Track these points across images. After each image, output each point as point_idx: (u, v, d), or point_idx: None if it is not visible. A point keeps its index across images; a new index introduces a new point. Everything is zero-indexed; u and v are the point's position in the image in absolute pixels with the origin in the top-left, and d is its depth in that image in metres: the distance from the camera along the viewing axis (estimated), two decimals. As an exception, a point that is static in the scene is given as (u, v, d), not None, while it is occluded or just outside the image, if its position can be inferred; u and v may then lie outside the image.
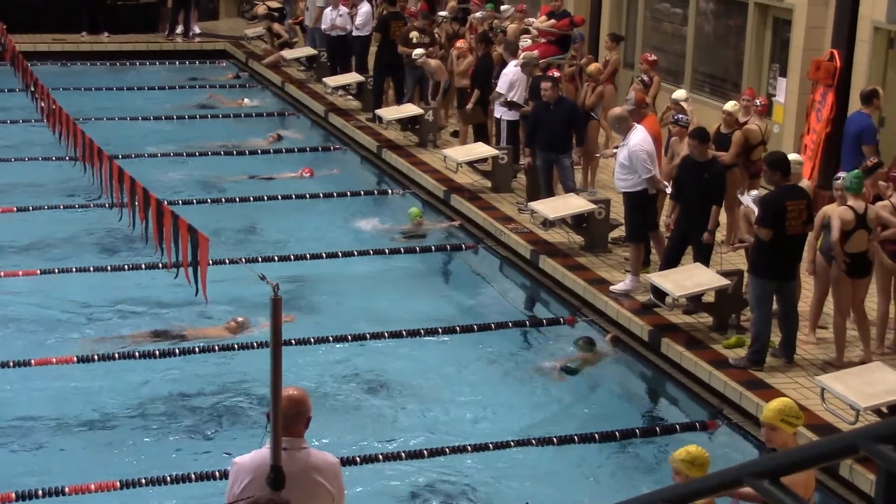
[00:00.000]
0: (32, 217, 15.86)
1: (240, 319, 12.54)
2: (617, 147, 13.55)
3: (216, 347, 11.93)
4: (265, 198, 16.83)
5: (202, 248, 7.54)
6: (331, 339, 12.30)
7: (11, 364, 11.40)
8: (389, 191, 17.77)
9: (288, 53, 24.32)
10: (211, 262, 8.45)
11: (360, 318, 13.06)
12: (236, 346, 11.93)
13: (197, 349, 11.89)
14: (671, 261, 12.50)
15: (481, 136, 17.82)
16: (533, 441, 10.31)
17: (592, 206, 14.26)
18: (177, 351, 11.84)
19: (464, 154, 17.09)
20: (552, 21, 19.08)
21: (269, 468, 5.54)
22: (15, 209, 15.97)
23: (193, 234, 7.61)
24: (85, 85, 23.09)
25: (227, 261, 13.11)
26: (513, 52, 17.05)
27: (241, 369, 11.58)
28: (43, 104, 14.18)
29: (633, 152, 12.82)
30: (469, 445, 10.20)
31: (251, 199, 16.85)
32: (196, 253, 7.59)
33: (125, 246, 14.71)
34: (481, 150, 16.98)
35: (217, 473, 9.36)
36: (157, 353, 11.80)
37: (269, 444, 5.57)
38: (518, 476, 9.98)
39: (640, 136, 12.93)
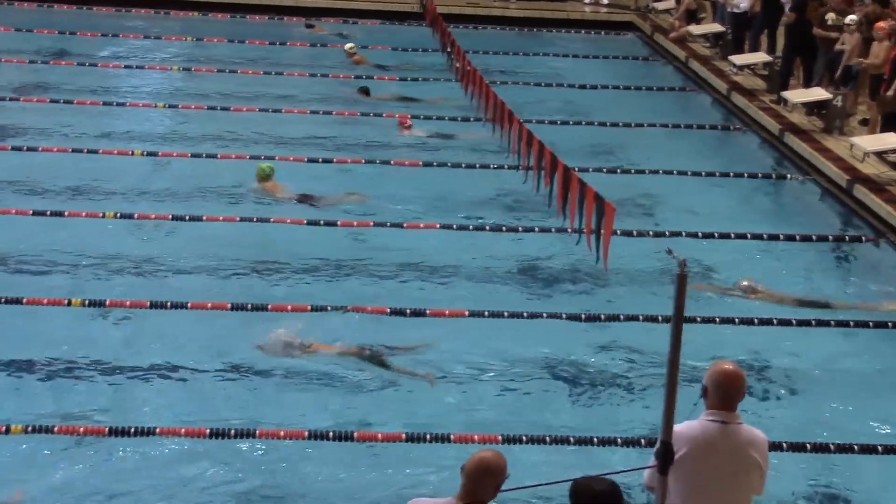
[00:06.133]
0: (433, 172, 16.45)
1: (744, 283, 13.00)
2: None
3: (621, 317, 11.98)
4: (660, 171, 16.78)
5: (608, 216, 7.60)
6: (717, 319, 12.12)
7: (409, 312, 11.94)
8: (788, 175, 17.30)
9: (695, 29, 24.09)
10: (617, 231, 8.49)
11: (746, 302, 12.83)
12: (641, 317, 11.98)
13: (603, 316, 12.00)
14: None
15: (893, 125, 16.98)
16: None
17: None
18: (596, 317, 12.05)
19: (873, 143, 16.37)
20: None
21: (704, 442, 5.65)
22: (420, 163, 16.64)
23: (600, 203, 7.69)
24: (493, 49, 23.75)
25: (618, 231, 13.10)
26: (938, 37, 16.17)
27: (650, 340, 11.57)
28: (458, 65, 14.68)
29: None
30: (855, 445, 9.81)
31: (646, 171, 16.84)
32: (601, 221, 7.67)
33: (518, 208, 15.09)
34: (893, 140, 16.19)
35: (643, 441, 9.53)
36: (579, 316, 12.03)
37: (703, 416, 5.65)
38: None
39: None
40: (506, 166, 15.55)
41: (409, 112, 18.88)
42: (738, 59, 21.55)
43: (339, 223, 14.22)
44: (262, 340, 11.14)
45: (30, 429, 9.37)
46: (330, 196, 15.22)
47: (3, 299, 11.60)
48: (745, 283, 13.09)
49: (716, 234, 14.44)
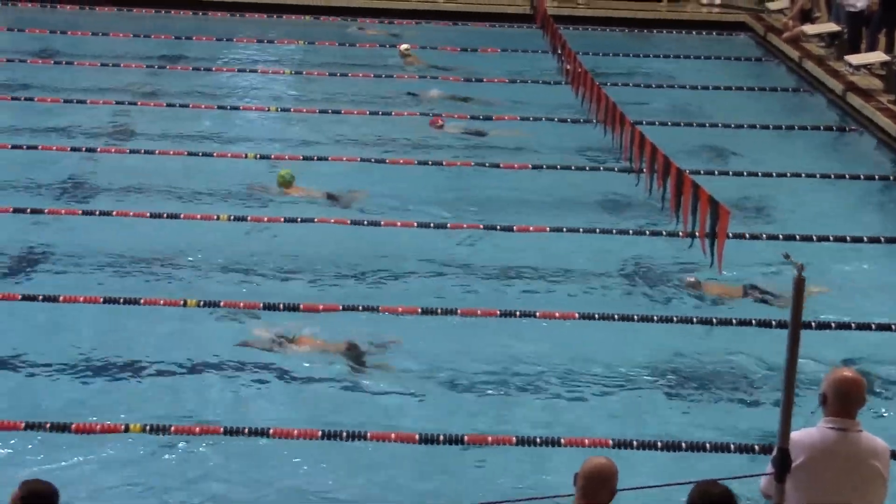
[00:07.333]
0: (543, 175, 16.40)
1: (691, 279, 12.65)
2: None
3: (733, 321, 11.87)
4: (774, 174, 16.54)
5: (722, 220, 7.53)
6: (832, 325, 11.93)
7: (518, 314, 11.94)
8: (906, 178, 16.97)
9: (809, 28, 23.67)
10: (729, 234, 8.40)
11: (862, 307, 12.61)
12: (754, 321, 11.84)
13: (715, 320, 11.91)
14: None
15: None
16: None
17: None
18: (708, 321, 11.98)
19: None
20: None
21: (823, 450, 5.59)
22: (530, 166, 16.59)
23: (714, 206, 7.62)
24: (604, 50, 23.59)
25: (730, 234, 12.90)
26: None
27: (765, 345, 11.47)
28: (569, 66, 14.64)
29: None
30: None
31: (760, 173, 16.61)
32: (715, 224, 7.60)
33: (625, 210, 14.99)
34: None
35: (756, 447, 9.44)
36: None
37: (822, 423, 5.58)
38: None
39: None
40: (615, 168, 15.48)
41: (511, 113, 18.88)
42: (854, 58, 21.11)
43: (448, 225, 14.26)
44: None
45: (147, 428, 9.56)
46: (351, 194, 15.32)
47: (120, 300, 11.86)
48: (691, 279, 12.80)
49: (831, 238, 14.18)
